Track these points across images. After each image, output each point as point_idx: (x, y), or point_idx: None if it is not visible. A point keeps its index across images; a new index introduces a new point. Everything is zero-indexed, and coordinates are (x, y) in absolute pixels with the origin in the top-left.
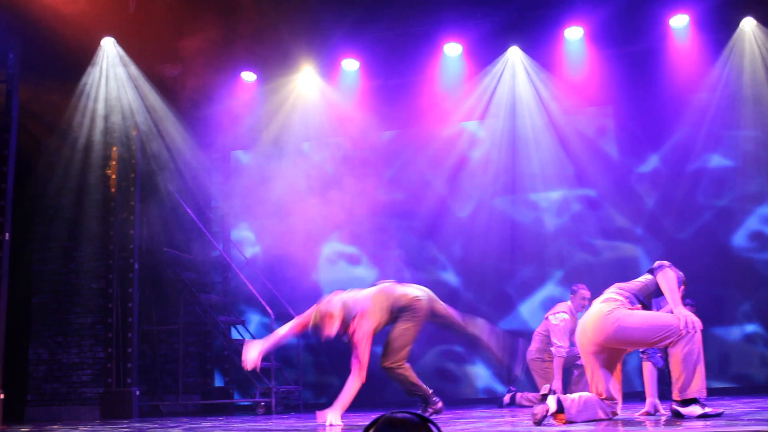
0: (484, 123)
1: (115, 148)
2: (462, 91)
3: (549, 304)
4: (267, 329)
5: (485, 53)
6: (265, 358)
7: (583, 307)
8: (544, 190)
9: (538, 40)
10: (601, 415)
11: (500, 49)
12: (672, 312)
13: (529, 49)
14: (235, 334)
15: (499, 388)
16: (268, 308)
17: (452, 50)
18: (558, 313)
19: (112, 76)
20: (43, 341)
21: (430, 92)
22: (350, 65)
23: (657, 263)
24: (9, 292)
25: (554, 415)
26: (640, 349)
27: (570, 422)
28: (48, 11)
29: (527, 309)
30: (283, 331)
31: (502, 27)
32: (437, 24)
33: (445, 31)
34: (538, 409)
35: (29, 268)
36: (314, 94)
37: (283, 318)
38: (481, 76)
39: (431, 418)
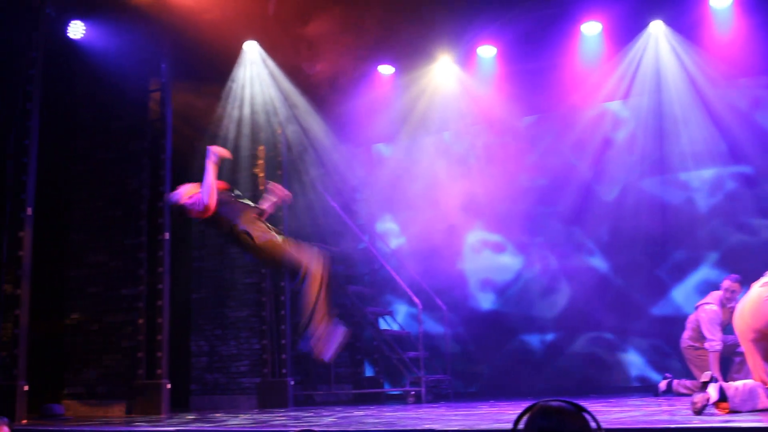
0: (627, 102)
1: (261, 147)
2: (603, 71)
3: (704, 287)
4: (414, 319)
5: (626, 30)
6: (414, 347)
7: (730, 300)
8: (695, 169)
9: (681, 11)
10: None
11: (641, 25)
12: None
13: (673, 22)
14: (383, 325)
15: (654, 375)
16: (415, 298)
17: (591, 29)
18: (706, 304)
19: (256, 77)
20: (203, 334)
21: (570, 74)
22: (487, 52)
23: None
24: (172, 289)
25: (716, 404)
26: None
27: (733, 412)
28: (194, 21)
29: (681, 293)
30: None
31: (642, 1)
32: (575, 3)
33: (584, 10)
34: (699, 398)
35: (189, 266)
36: (452, 83)
37: (431, 308)
38: (623, 54)
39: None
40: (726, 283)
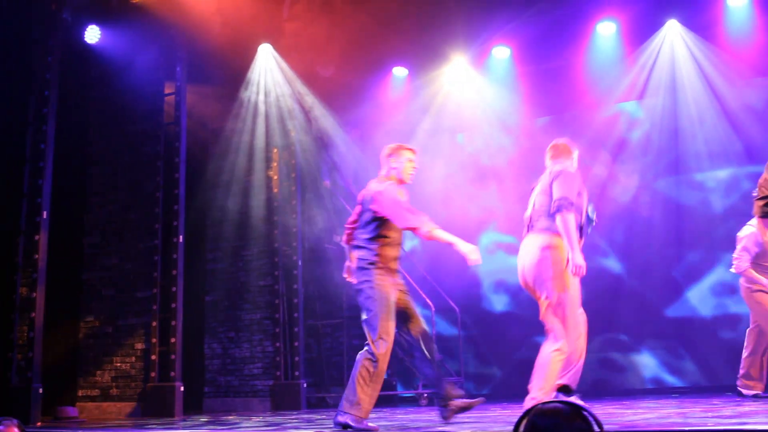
0: (642, 102)
1: (275, 150)
2: (618, 71)
3: (720, 289)
4: (428, 322)
5: (641, 29)
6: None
7: None
8: (710, 169)
9: (697, 10)
10: None
11: (657, 24)
12: None
13: (688, 22)
14: None
15: (668, 377)
16: (428, 300)
17: (606, 29)
18: None
19: (270, 80)
20: (216, 336)
21: (585, 74)
22: (501, 53)
23: None
24: (185, 291)
25: None
26: None
27: None
28: (208, 25)
29: (696, 295)
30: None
31: (658, 0)
32: (590, 3)
33: (599, 9)
34: None
35: (203, 268)
36: (466, 85)
37: (444, 311)
38: (638, 54)
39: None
40: None
